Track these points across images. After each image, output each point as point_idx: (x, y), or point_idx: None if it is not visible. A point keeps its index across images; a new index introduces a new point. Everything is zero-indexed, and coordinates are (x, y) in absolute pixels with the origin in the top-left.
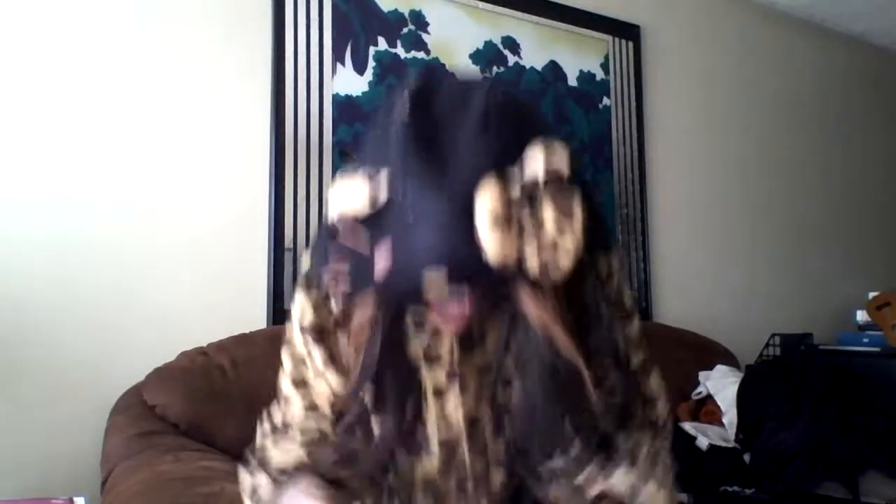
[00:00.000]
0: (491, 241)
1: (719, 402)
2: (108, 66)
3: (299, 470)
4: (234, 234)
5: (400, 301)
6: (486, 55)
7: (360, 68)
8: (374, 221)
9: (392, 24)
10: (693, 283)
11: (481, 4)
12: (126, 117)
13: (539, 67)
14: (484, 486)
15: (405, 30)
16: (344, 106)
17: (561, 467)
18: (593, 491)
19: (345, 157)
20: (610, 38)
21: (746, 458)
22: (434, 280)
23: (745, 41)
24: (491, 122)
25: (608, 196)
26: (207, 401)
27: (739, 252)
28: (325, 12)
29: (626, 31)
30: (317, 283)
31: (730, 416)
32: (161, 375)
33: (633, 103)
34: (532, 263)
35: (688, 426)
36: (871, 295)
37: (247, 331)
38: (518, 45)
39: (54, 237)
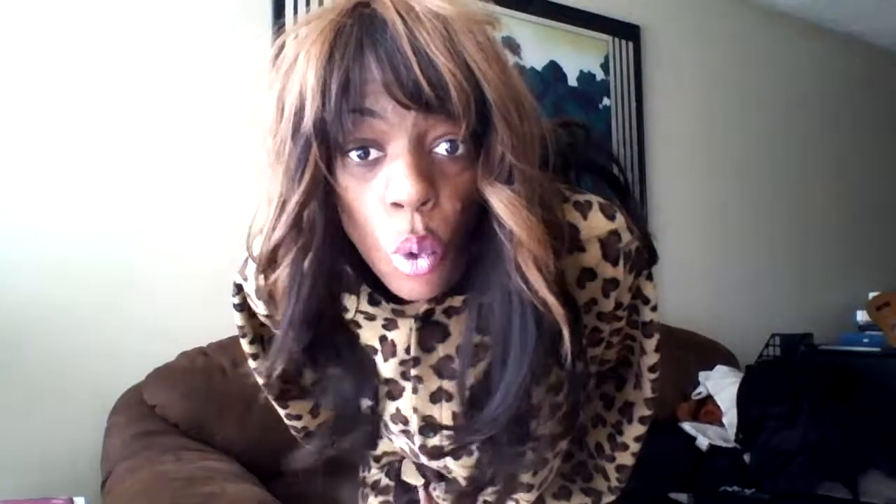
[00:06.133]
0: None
1: (719, 402)
2: (107, 66)
3: None
4: (234, 233)
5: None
6: None
7: None
8: None
9: None
10: (693, 283)
11: (480, 5)
12: (126, 116)
13: (539, 67)
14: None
15: None
16: None
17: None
18: None
19: None
20: (610, 38)
21: (746, 458)
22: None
23: (745, 41)
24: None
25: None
26: (207, 401)
27: (739, 252)
28: None
29: (626, 31)
30: None
31: (730, 416)
32: (161, 375)
33: (633, 103)
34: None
35: (688, 426)
36: (871, 295)
37: None
38: (518, 45)
39: (53, 237)
